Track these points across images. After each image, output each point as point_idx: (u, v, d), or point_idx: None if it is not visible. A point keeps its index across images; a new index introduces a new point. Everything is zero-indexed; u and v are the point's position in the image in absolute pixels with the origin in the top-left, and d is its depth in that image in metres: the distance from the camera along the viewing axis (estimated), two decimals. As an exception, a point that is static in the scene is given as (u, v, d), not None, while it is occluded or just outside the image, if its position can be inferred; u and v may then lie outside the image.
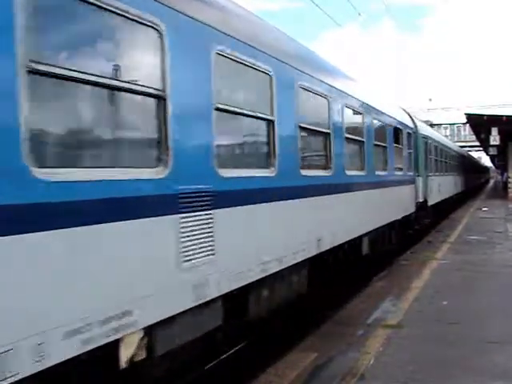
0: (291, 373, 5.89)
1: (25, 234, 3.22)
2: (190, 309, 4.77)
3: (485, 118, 27.49)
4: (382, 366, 5.97)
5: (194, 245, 4.78)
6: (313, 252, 7.48)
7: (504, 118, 26.62)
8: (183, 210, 4.66)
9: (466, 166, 40.50)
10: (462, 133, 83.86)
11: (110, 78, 4.02)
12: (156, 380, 4.89)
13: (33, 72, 3.31)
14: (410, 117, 16.92)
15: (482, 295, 9.18)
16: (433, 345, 6.61)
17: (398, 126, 13.93)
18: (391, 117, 13.28)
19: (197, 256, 4.82)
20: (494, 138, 30.64)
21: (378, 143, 11.50)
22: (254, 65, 6.01)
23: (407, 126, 15.39)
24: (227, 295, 5.42)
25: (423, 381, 5.58)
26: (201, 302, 4.89)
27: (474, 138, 52.29)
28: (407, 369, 5.82)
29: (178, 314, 4.62)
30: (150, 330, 4.37)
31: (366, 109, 10.69)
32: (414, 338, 6.93)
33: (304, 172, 7.24)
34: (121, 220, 3.97)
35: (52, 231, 3.39)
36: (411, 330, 7.29)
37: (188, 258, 4.70)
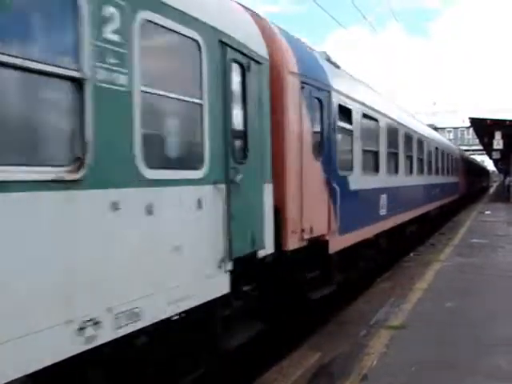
0: (295, 372, 5.94)
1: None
2: None
3: (488, 122, 27.54)
4: (384, 366, 6.00)
5: None
6: None
7: (507, 122, 26.65)
8: None
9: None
10: (466, 137, 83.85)
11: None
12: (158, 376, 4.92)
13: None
14: None
15: (485, 297, 9.20)
16: (436, 346, 6.63)
17: None
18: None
19: None
20: (498, 142, 30.68)
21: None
22: None
23: None
24: None
25: (426, 382, 5.61)
26: None
27: (477, 141, 52.28)
28: (410, 370, 5.86)
29: None
30: None
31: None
32: (416, 339, 6.95)
33: None
34: None
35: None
36: (414, 331, 7.32)
37: None
